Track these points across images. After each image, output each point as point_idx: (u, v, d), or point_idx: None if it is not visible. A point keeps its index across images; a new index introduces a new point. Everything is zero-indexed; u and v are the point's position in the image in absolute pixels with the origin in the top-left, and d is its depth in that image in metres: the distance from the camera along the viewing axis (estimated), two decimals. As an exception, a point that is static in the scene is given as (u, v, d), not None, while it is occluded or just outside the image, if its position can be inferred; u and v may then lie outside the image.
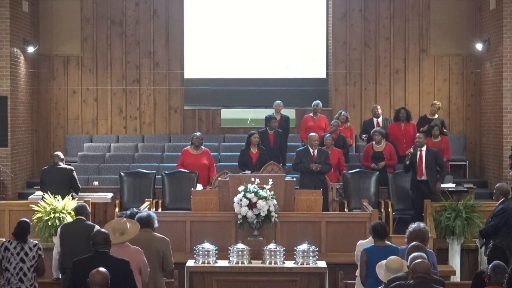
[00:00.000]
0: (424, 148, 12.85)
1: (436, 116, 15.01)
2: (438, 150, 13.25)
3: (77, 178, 12.45)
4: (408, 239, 7.87)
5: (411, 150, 12.85)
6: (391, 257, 7.24)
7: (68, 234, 9.41)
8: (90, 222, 9.87)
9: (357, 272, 8.72)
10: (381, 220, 9.07)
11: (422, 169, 12.78)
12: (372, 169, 13.50)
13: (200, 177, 13.09)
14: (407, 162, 12.82)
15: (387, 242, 8.43)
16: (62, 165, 12.48)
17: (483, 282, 6.90)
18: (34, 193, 13.24)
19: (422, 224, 8.05)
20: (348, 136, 14.63)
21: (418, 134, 13.19)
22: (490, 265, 6.81)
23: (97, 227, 9.50)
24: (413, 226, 8.03)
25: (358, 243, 8.98)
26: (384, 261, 7.31)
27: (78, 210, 9.79)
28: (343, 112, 14.93)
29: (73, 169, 12.66)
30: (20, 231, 8.85)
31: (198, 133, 13.78)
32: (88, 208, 9.90)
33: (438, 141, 14.12)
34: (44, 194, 11.79)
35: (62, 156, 12.69)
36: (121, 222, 7.93)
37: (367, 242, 8.87)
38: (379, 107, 15.06)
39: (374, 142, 13.78)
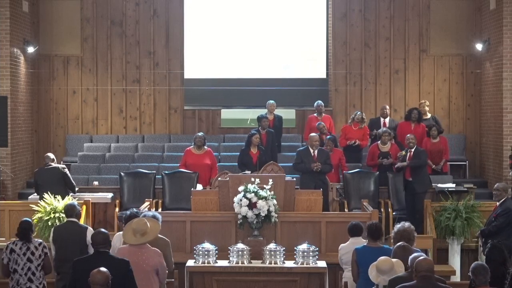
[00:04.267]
0: (413, 150, 12.93)
1: (429, 115, 15.03)
2: (424, 149, 13.30)
3: (70, 176, 12.38)
4: (394, 240, 7.83)
5: (403, 152, 12.92)
6: (381, 257, 7.23)
7: (60, 238, 9.34)
8: (82, 224, 9.83)
9: (344, 274, 8.96)
10: (377, 221, 9.04)
11: (408, 170, 12.86)
12: (381, 164, 13.51)
13: (202, 177, 13.10)
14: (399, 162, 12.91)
15: (379, 243, 8.45)
16: (53, 164, 12.42)
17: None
18: (34, 193, 13.23)
19: (407, 224, 7.98)
20: (361, 137, 14.54)
21: (408, 135, 13.20)
22: (470, 268, 6.81)
23: (89, 228, 9.50)
24: (397, 226, 7.97)
25: (340, 247, 9.11)
26: (375, 262, 7.32)
27: (68, 212, 9.64)
28: (358, 112, 14.83)
29: (65, 167, 12.62)
30: (23, 231, 8.85)
31: (200, 133, 13.80)
32: (77, 206, 9.71)
33: (436, 141, 14.12)
34: (44, 195, 11.75)
35: (52, 156, 12.59)
36: (141, 223, 7.83)
37: (347, 245, 8.96)
38: (387, 107, 15.05)
39: (379, 142, 13.79)
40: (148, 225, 7.82)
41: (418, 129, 14.39)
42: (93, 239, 7.24)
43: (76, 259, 7.21)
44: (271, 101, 15.05)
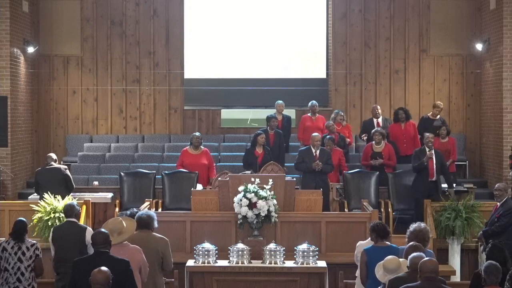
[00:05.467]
0: (432, 150, 12.84)
1: (438, 116, 15.01)
2: (438, 150, 13.26)
3: (71, 177, 12.39)
4: (408, 239, 7.88)
5: (432, 152, 12.71)
6: (388, 257, 7.23)
7: (60, 239, 9.30)
8: (81, 224, 9.80)
9: (357, 273, 8.73)
10: (381, 221, 9.06)
11: (433, 170, 12.72)
12: (372, 165, 13.53)
13: (199, 177, 13.09)
14: (426, 163, 12.59)
15: (387, 242, 8.43)
16: (55, 165, 12.42)
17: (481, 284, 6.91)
18: (34, 193, 13.23)
19: (422, 224, 8.06)
20: (347, 135, 14.64)
21: (428, 134, 13.08)
22: (483, 267, 6.83)
23: (89, 229, 9.48)
24: (413, 226, 8.04)
25: (358, 244, 8.99)
26: (382, 261, 7.31)
27: (67, 212, 9.61)
28: (341, 112, 14.93)
29: (66, 167, 12.63)
30: (16, 231, 8.86)
31: (197, 133, 13.79)
32: (76, 206, 9.66)
33: (445, 141, 14.11)
34: (44, 195, 11.75)
35: (54, 157, 12.61)
36: (117, 222, 7.88)
37: (366, 242, 8.87)
38: (379, 107, 15.07)
39: (374, 142, 13.79)
40: (124, 224, 7.86)
41: (408, 127, 14.46)
42: (93, 239, 7.23)
43: (77, 259, 7.20)
44: (280, 101, 14.95)
